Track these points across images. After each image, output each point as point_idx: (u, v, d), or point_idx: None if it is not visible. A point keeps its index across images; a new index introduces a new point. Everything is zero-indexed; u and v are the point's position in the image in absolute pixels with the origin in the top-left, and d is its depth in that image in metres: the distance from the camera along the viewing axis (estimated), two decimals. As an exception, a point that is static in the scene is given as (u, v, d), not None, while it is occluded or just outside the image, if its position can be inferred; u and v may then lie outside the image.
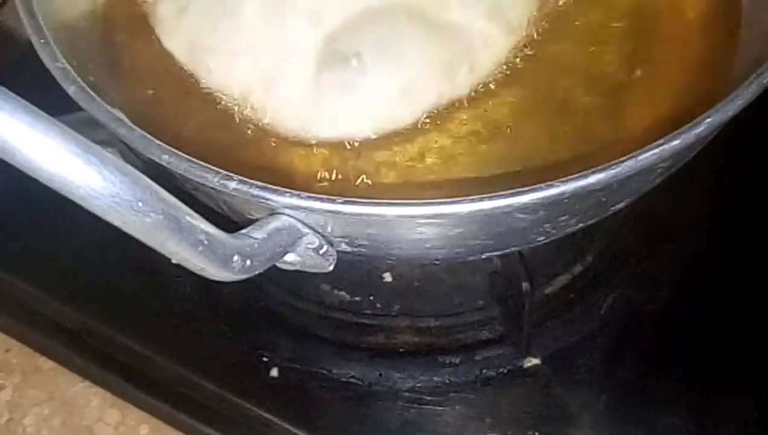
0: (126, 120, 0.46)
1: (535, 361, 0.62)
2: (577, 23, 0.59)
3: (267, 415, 0.61)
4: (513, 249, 0.53)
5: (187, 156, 0.43)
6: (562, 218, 0.47)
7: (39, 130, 0.32)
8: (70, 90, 0.46)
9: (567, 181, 0.41)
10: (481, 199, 0.41)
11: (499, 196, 0.41)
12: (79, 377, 0.66)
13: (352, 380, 0.63)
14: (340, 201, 0.42)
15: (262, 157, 0.55)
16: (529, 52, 0.58)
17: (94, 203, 0.34)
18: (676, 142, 0.42)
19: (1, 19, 0.77)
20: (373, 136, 0.55)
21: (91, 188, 0.33)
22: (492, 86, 0.57)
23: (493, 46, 0.57)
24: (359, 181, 0.53)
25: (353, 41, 0.55)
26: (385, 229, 0.46)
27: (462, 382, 0.62)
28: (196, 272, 0.41)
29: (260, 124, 0.56)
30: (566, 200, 0.42)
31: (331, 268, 0.48)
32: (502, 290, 0.62)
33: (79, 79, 0.47)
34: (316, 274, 0.48)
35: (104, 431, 0.64)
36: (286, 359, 0.64)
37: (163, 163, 0.43)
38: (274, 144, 0.55)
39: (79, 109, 0.46)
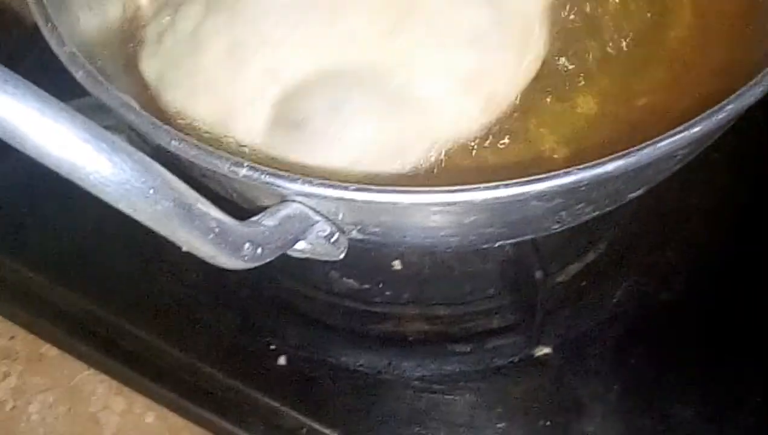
0: (135, 105, 0.45)
1: (547, 350, 0.62)
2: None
3: (274, 403, 0.61)
4: (527, 237, 0.52)
5: (196, 142, 0.43)
6: (579, 206, 0.46)
7: (49, 116, 0.31)
8: (78, 75, 0.45)
9: (584, 169, 0.40)
10: (496, 187, 0.40)
11: (515, 183, 0.40)
12: (84, 365, 0.66)
13: (361, 368, 0.62)
14: (353, 188, 0.41)
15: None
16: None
17: (105, 190, 0.33)
18: (695, 129, 0.42)
19: (5, 1, 0.76)
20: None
21: (101, 175, 0.33)
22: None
23: (465, 122, 0.53)
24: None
25: (307, 104, 0.52)
26: (397, 217, 0.45)
27: (472, 370, 0.62)
28: (207, 260, 0.40)
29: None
30: (583, 188, 0.42)
31: (342, 256, 0.47)
32: (514, 278, 0.62)
33: (86, 64, 0.46)
34: (325, 261, 0.48)
35: (110, 419, 0.64)
36: (294, 347, 0.63)
37: (172, 149, 0.42)
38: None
39: (86, 94, 0.45)
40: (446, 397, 0.61)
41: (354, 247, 0.48)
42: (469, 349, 0.63)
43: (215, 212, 0.38)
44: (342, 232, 0.46)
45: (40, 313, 0.67)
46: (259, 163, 0.42)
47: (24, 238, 0.70)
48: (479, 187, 0.40)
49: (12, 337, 0.68)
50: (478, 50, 0.53)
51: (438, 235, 0.47)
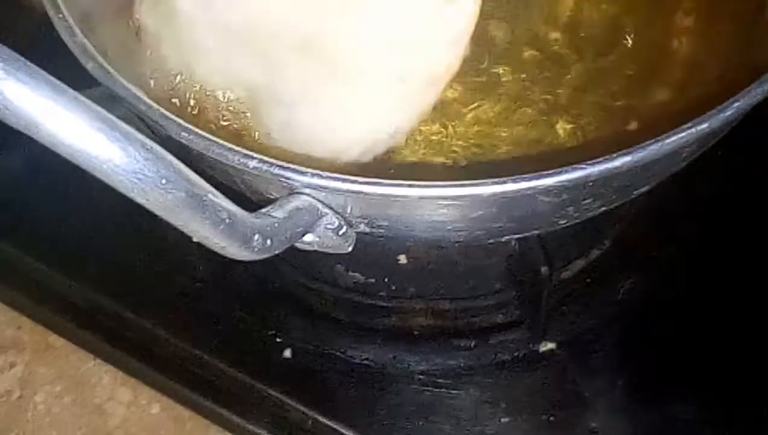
0: (144, 96, 0.45)
1: (551, 345, 0.62)
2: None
3: (279, 396, 0.61)
4: (534, 232, 0.52)
5: (206, 134, 0.43)
6: (586, 202, 0.46)
7: (62, 105, 0.32)
8: (89, 65, 0.45)
9: (592, 164, 0.41)
10: (504, 182, 0.40)
11: (522, 178, 0.40)
12: (90, 355, 0.66)
13: (366, 362, 0.62)
14: (361, 181, 0.41)
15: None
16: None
17: (118, 179, 0.33)
18: (703, 126, 0.42)
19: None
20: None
21: (114, 164, 0.33)
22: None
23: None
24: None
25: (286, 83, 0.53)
26: (405, 210, 0.45)
27: (476, 365, 0.62)
28: (217, 251, 0.40)
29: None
30: (590, 183, 0.42)
31: (349, 248, 0.47)
32: (520, 274, 0.62)
33: (97, 55, 0.46)
34: (330, 255, 0.48)
35: (116, 409, 0.64)
36: (299, 340, 0.63)
37: (182, 140, 0.43)
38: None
39: (95, 85, 0.46)
40: (451, 391, 0.61)
41: (360, 241, 0.48)
42: (473, 344, 0.63)
43: (226, 203, 0.38)
44: (350, 225, 0.46)
45: (47, 303, 0.67)
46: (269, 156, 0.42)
47: (31, 229, 0.70)
48: (487, 182, 0.41)
49: (19, 327, 0.68)
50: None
51: (445, 229, 0.47)
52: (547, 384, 0.61)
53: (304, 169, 0.42)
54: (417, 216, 0.46)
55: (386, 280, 0.66)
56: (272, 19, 0.51)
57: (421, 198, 0.42)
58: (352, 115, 0.52)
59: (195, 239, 0.39)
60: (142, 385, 0.65)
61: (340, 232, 0.46)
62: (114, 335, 0.65)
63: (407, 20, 0.49)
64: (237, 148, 0.42)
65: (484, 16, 0.52)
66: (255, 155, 0.42)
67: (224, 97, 0.53)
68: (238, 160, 0.42)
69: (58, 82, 0.32)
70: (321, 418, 0.60)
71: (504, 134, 0.58)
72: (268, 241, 0.41)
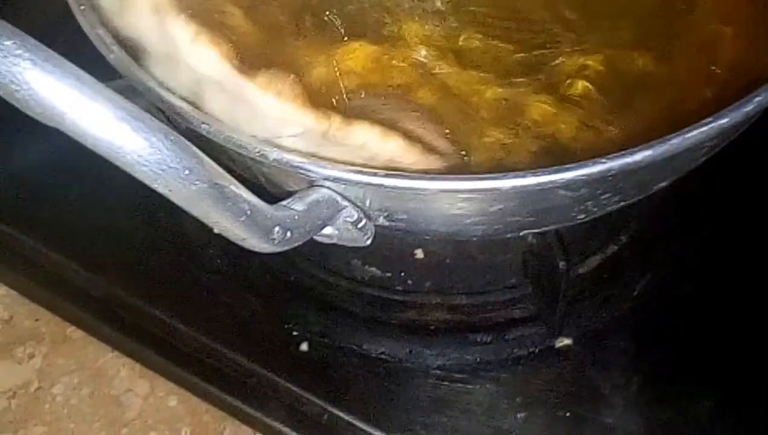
0: (165, 89, 0.45)
1: (567, 341, 0.62)
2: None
3: (296, 389, 0.61)
4: (552, 227, 0.52)
5: (227, 126, 0.43)
6: (605, 196, 0.46)
7: (87, 95, 0.32)
8: (110, 57, 0.45)
9: (613, 158, 0.41)
10: (524, 175, 0.41)
11: (543, 171, 0.41)
12: (108, 347, 0.67)
13: (382, 356, 0.62)
14: (381, 174, 0.41)
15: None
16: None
17: (141, 170, 0.34)
18: (724, 121, 0.42)
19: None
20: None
21: (138, 155, 0.33)
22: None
23: None
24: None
25: None
26: (424, 204, 0.45)
27: (493, 360, 0.62)
28: (237, 242, 0.40)
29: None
30: (610, 177, 0.42)
31: (368, 242, 0.47)
32: (537, 269, 0.62)
33: (117, 47, 0.46)
34: (347, 249, 0.48)
35: (133, 402, 0.64)
36: (316, 334, 0.64)
37: (203, 132, 0.43)
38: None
39: (116, 77, 0.46)
40: (467, 386, 0.61)
41: (377, 235, 0.48)
42: (490, 339, 0.63)
43: (247, 195, 0.39)
44: (369, 218, 0.46)
45: (65, 295, 0.67)
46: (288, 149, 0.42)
47: (50, 221, 0.70)
48: (507, 175, 0.41)
49: (37, 319, 0.69)
50: None
51: (464, 223, 0.47)
52: (563, 379, 0.61)
53: (323, 161, 0.42)
54: (436, 209, 0.46)
55: (403, 274, 0.66)
56: None
57: (441, 191, 0.42)
58: None
59: (216, 231, 0.39)
60: (159, 377, 0.65)
61: (359, 225, 0.46)
62: (132, 328, 0.65)
63: None
64: (257, 141, 0.42)
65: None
66: (275, 148, 0.42)
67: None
68: (259, 152, 0.42)
69: (83, 72, 0.32)
70: (337, 411, 0.60)
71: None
72: (288, 233, 0.41)
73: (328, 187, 0.43)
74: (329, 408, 0.60)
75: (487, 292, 0.65)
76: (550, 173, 0.40)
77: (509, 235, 0.52)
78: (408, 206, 0.45)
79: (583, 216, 0.49)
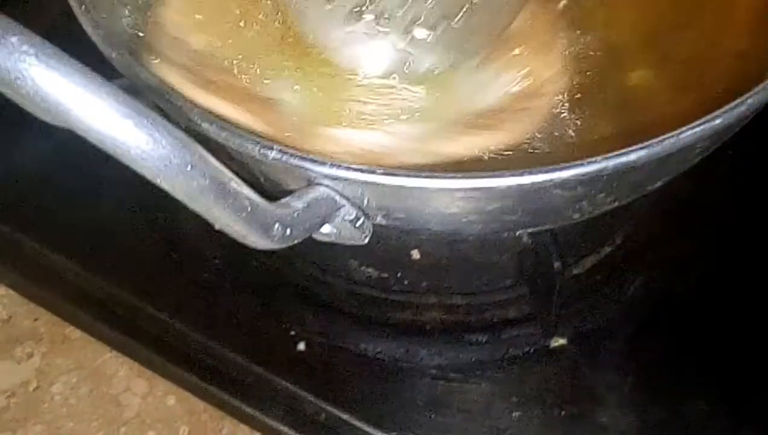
0: (167, 87, 0.46)
1: (562, 341, 0.62)
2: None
3: (293, 389, 0.62)
4: (547, 226, 0.53)
5: (228, 124, 0.44)
6: (600, 196, 0.47)
7: (92, 92, 0.32)
8: (112, 57, 0.46)
9: (607, 158, 0.41)
10: (520, 174, 0.41)
11: (538, 171, 0.41)
12: (107, 347, 0.67)
13: (379, 356, 0.63)
14: (379, 172, 0.42)
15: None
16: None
17: (144, 165, 0.34)
18: (717, 122, 0.42)
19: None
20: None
21: (141, 150, 0.34)
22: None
23: None
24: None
25: None
26: (422, 202, 0.46)
27: (488, 360, 0.62)
28: (237, 239, 0.41)
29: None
30: (605, 177, 0.42)
31: (366, 240, 0.48)
32: (532, 270, 0.62)
33: (118, 48, 0.47)
34: (344, 250, 0.49)
35: (131, 401, 0.65)
36: (313, 334, 0.64)
37: (203, 131, 0.43)
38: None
39: (117, 77, 0.46)
40: (462, 385, 0.61)
41: (374, 235, 0.48)
42: (485, 339, 0.63)
43: (248, 191, 0.39)
44: (367, 216, 0.46)
45: (64, 295, 0.68)
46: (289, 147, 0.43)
47: (48, 221, 0.71)
48: (504, 174, 0.41)
49: (36, 319, 0.69)
50: None
51: (460, 222, 0.48)
52: (558, 379, 0.61)
53: (322, 159, 0.42)
54: (433, 208, 0.46)
55: (399, 275, 0.66)
56: None
57: (439, 189, 0.42)
58: None
59: (217, 227, 0.40)
60: (157, 376, 0.65)
61: (358, 224, 0.46)
62: (130, 327, 0.65)
63: None
64: (257, 139, 0.43)
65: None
66: (275, 146, 0.42)
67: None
68: (259, 150, 0.42)
69: (87, 69, 0.33)
70: (334, 411, 0.61)
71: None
72: (288, 231, 0.42)
73: (327, 186, 0.44)
74: (326, 407, 0.61)
75: (483, 293, 0.65)
76: (545, 172, 0.41)
77: (505, 234, 0.53)
78: (406, 205, 0.46)
79: (577, 215, 0.49)
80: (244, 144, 0.43)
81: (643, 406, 0.60)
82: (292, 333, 0.64)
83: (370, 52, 0.56)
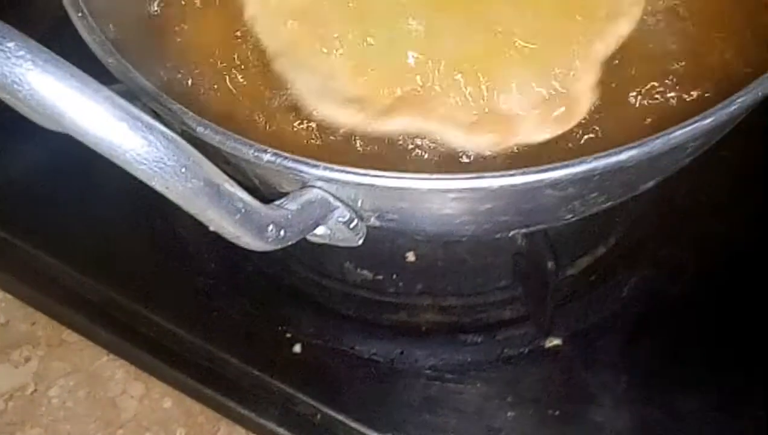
0: (162, 93, 0.46)
1: (557, 341, 0.63)
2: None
3: (289, 390, 0.62)
4: (540, 226, 0.53)
5: (222, 128, 0.44)
6: (592, 196, 0.47)
7: (87, 96, 0.33)
8: (108, 62, 0.46)
9: (598, 158, 0.42)
10: (512, 174, 0.41)
11: (530, 171, 0.41)
12: (103, 350, 0.67)
13: (374, 357, 0.63)
14: (371, 174, 0.42)
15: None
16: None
17: (139, 168, 0.34)
18: (708, 121, 0.43)
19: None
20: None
21: (136, 153, 0.34)
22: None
23: None
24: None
25: None
26: (415, 203, 0.46)
27: (483, 360, 0.63)
28: (232, 240, 0.41)
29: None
30: (596, 177, 0.43)
31: (360, 242, 0.48)
32: (526, 271, 0.63)
33: (116, 53, 0.47)
34: (339, 252, 0.49)
35: (128, 403, 0.65)
36: (309, 335, 0.64)
37: (198, 135, 0.44)
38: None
39: (112, 82, 0.47)
40: (458, 386, 0.62)
41: (369, 238, 0.49)
42: (480, 340, 0.63)
43: (242, 193, 0.39)
44: (361, 218, 0.47)
45: (61, 299, 0.68)
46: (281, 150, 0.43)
47: (45, 226, 0.71)
48: (495, 175, 0.42)
49: (33, 323, 0.69)
50: None
51: (454, 223, 0.48)
52: (553, 379, 0.62)
53: (315, 162, 0.43)
54: (426, 209, 0.47)
55: (394, 276, 0.67)
56: None
57: (431, 190, 0.43)
58: None
59: (212, 228, 0.40)
60: (154, 379, 0.66)
61: (351, 225, 0.47)
62: (127, 331, 0.66)
63: None
64: (251, 142, 0.43)
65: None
66: (269, 149, 0.43)
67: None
68: (253, 153, 0.43)
69: (82, 73, 0.33)
70: (330, 412, 0.61)
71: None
72: (282, 232, 0.42)
73: (321, 188, 0.44)
74: (322, 408, 0.61)
75: (478, 294, 0.66)
76: (537, 172, 0.41)
77: (498, 235, 0.53)
78: (399, 206, 0.46)
79: (570, 215, 0.50)
80: (239, 147, 0.43)
81: (638, 405, 0.60)
82: (288, 335, 0.64)
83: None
